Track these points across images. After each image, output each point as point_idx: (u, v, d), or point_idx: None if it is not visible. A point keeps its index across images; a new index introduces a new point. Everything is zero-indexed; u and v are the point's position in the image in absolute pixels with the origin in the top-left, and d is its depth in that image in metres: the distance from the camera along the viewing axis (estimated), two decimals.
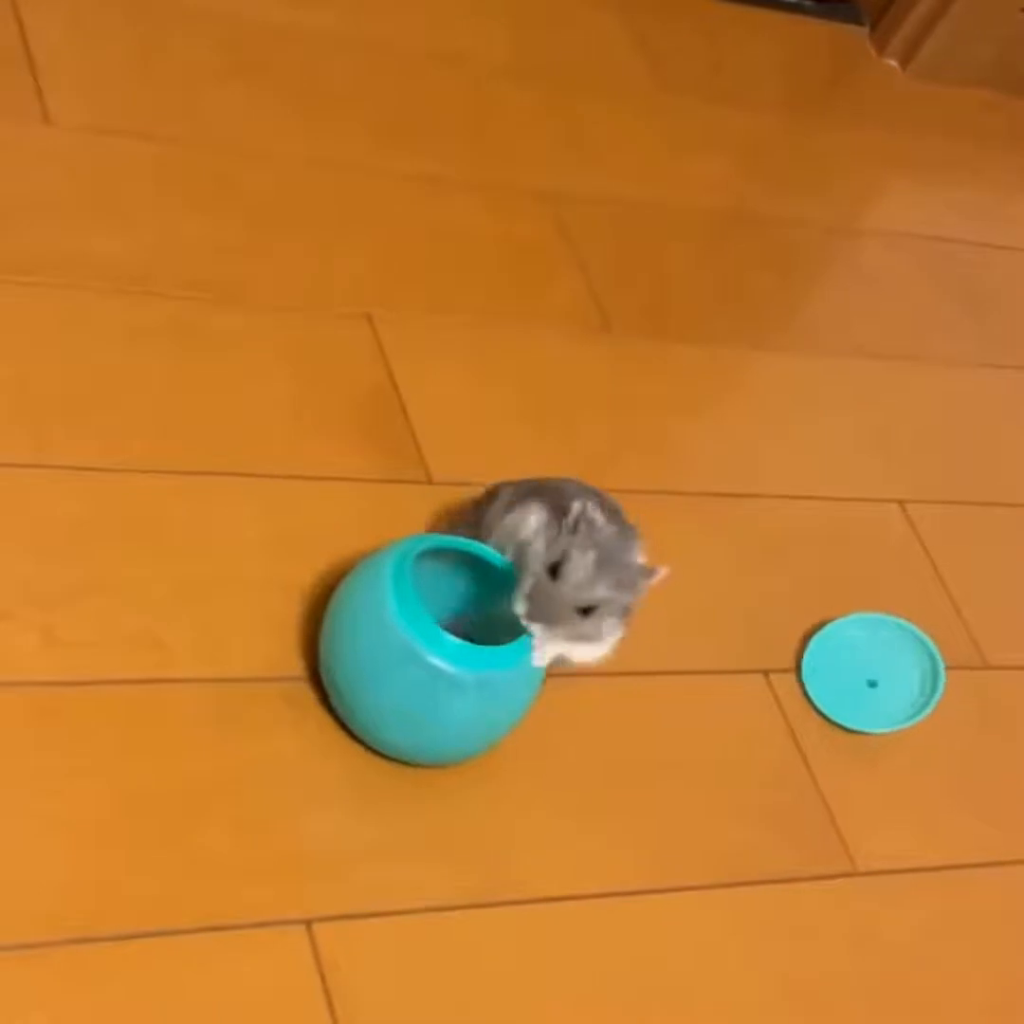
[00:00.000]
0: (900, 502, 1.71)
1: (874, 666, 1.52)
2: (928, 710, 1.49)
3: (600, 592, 1.24)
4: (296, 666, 1.31)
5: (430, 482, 1.48)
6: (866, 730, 1.48)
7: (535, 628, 1.24)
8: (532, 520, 1.29)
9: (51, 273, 1.46)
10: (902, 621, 1.53)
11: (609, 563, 1.23)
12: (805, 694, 1.49)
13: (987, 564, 1.71)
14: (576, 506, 1.24)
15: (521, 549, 1.27)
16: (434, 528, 1.41)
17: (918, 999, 1.35)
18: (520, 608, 1.24)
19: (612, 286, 1.75)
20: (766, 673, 1.49)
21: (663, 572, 1.25)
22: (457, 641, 1.22)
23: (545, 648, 1.26)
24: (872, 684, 1.51)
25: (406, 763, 1.28)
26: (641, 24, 2.07)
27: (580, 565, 1.23)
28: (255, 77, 1.73)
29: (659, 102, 2.01)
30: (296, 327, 1.54)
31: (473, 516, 1.35)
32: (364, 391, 1.52)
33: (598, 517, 1.24)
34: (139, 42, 1.70)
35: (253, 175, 1.64)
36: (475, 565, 1.30)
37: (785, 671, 1.50)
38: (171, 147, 1.62)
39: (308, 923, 1.18)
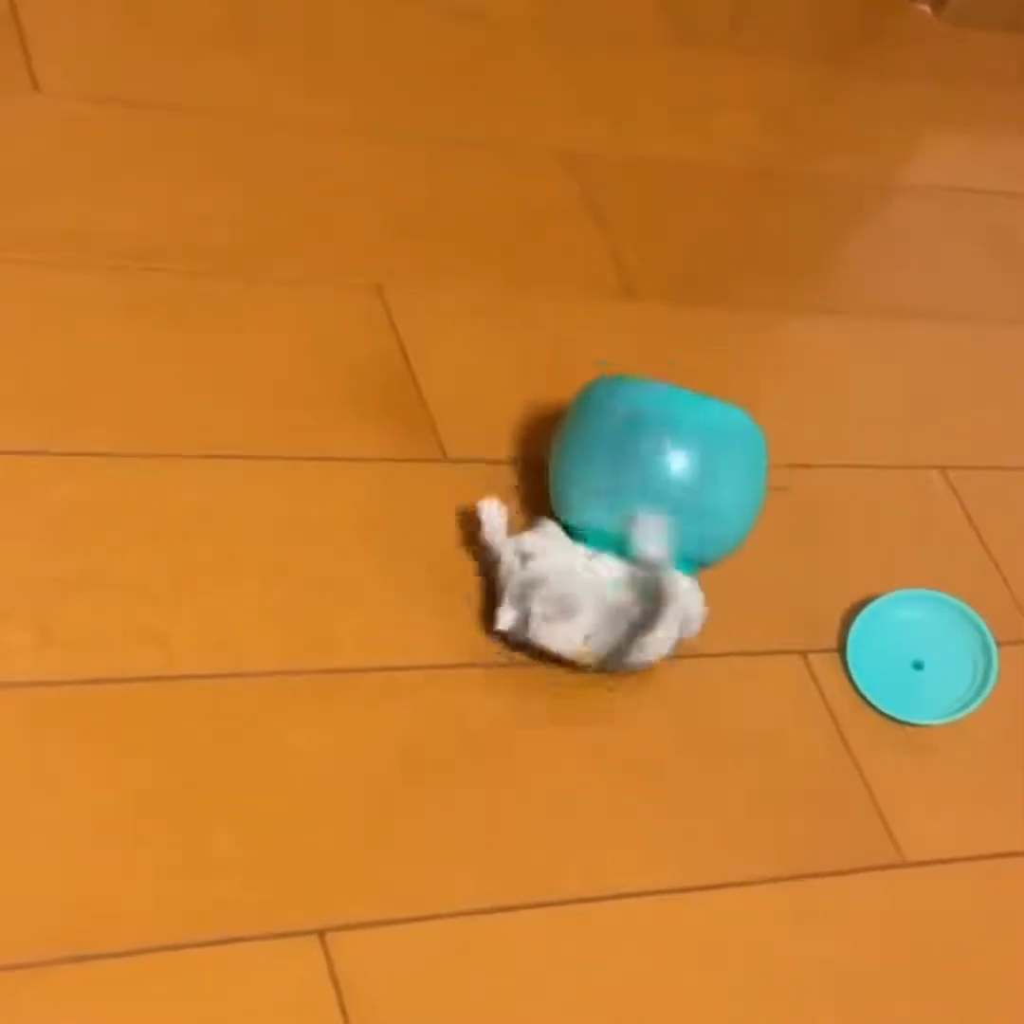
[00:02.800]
0: (941, 468, 1.65)
1: (921, 647, 1.45)
2: (980, 700, 1.43)
3: None
4: (305, 658, 1.26)
5: (445, 459, 1.43)
6: (914, 721, 1.42)
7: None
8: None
9: (45, 250, 1.42)
10: (952, 599, 1.47)
11: None
12: (849, 678, 1.43)
13: None
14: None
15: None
16: None
17: (970, 990, 1.30)
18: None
19: (635, 249, 1.70)
20: (804, 654, 1.43)
21: None
22: None
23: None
24: (918, 666, 1.45)
25: None
26: None
27: None
28: (256, 39, 1.70)
29: (682, 56, 1.96)
30: (303, 300, 1.49)
31: None
32: (375, 366, 1.47)
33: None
34: (133, 9, 1.65)
35: (256, 141, 1.60)
36: None
37: (824, 651, 1.44)
38: (169, 114, 1.58)
39: (321, 933, 1.13)
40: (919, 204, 1.95)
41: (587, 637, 1.29)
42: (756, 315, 1.72)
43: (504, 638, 1.31)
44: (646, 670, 1.33)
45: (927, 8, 2.22)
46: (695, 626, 1.34)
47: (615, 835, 1.27)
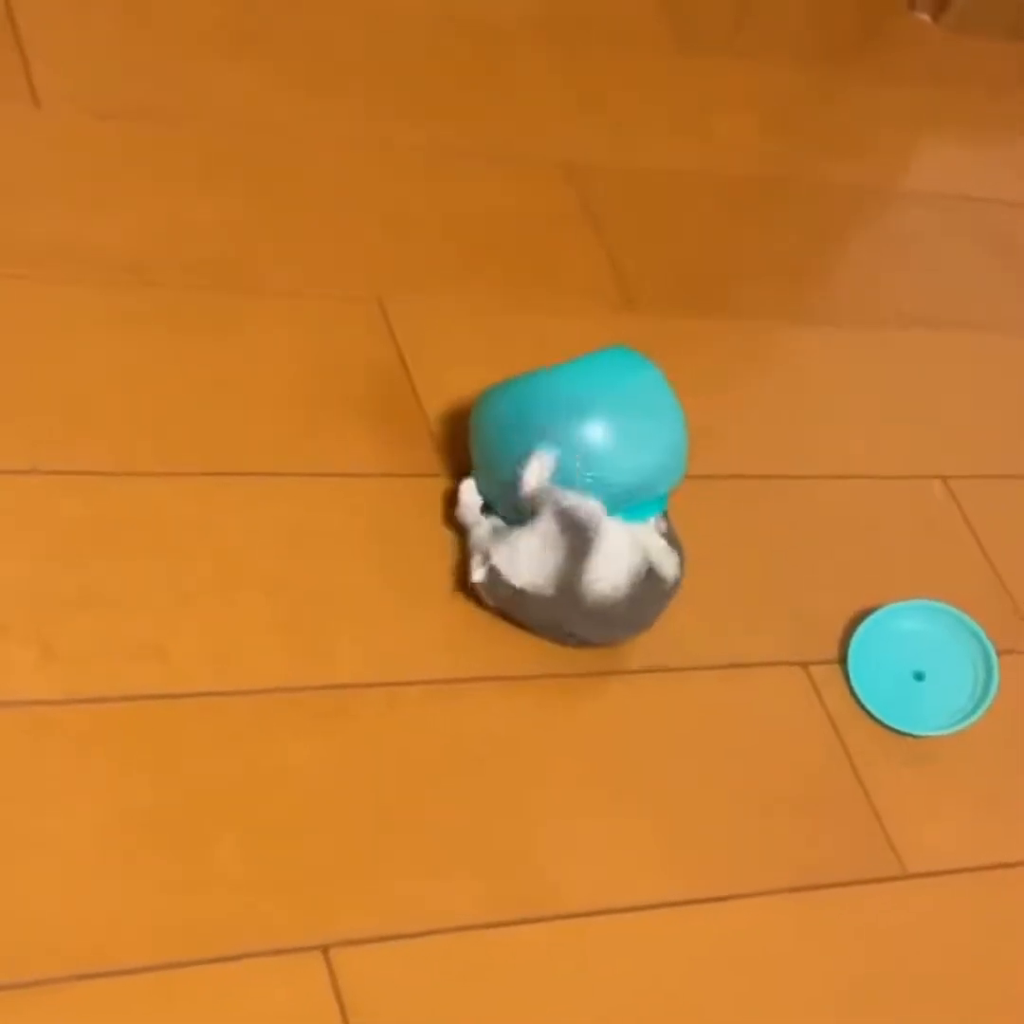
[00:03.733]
0: (942, 478, 1.65)
1: (922, 658, 1.45)
2: (981, 710, 1.42)
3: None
4: (306, 674, 1.26)
5: (444, 473, 1.42)
6: (915, 732, 1.42)
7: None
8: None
9: (43, 265, 1.42)
10: (953, 609, 1.46)
11: None
12: (850, 689, 1.43)
13: None
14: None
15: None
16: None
17: (973, 1000, 1.30)
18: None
19: (635, 258, 1.69)
20: (805, 666, 1.43)
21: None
22: None
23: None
24: (919, 676, 1.45)
25: None
26: None
27: None
28: (256, 48, 1.69)
29: (682, 61, 1.96)
30: (303, 312, 1.48)
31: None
32: (375, 378, 1.47)
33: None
34: (132, 15, 1.65)
35: (256, 153, 1.60)
36: None
37: (824, 662, 1.44)
38: (168, 126, 1.57)
39: (324, 949, 1.13)
40: (919, 210, 1.95)
41: (538, 565, 1.30)
42: (755, 323, 1.72)
43: (480, 599, 1.33)
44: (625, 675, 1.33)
45: (927, 16, 2.22)
46: (670, 561, 1.35)
47: (616, 848, 1.27)
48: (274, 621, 1.28)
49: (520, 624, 1.34)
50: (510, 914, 1.20)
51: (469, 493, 1.36)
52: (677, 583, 1.36)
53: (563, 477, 1.32)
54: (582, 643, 1.34)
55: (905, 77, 2.12)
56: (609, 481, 1.32)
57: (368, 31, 1.76)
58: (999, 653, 1.45)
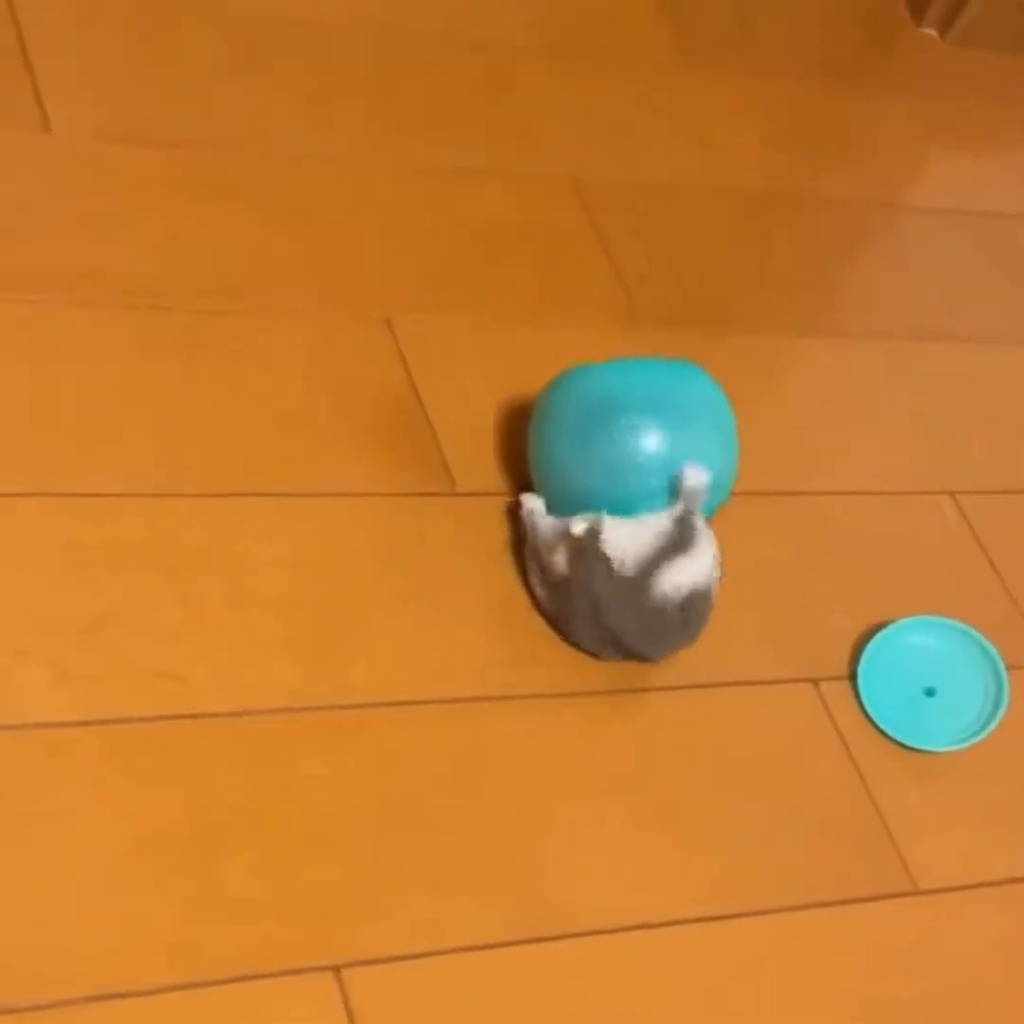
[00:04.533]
0: (951, 493, 1.65)
1: (933, 674, 1.45)
2: (991, 727, 1.42)
3: None
4: (321, 693, 1.27)
5: (455, 492, 1.42)
6: (926, 748, 1.42)
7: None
8: None
9: (56, 289, 1.42)
10: (962, 625, 1.46)
11: None
12: (861, 705, 1.43)
13: None
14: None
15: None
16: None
17: (985, 1017, 1.30)
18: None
19: (643, 275, 1.70)
20: (815, 682, 1.43)
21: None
22: None
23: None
24: (929, 692, 1.45)
25: None
26: None
27: None
28: (266, 72, 1.70)
29: (687, 78, 1.96)
30: (313, 334, 1.49)
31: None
32: (385, 399, 1.47)
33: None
34: (142, 41, 1.65)
35: (266, 176, 1.60)
36: None
37: (834, 679, 1.44)
38: (179, 151, 1.58)
39: (337, 969, 1.13)
40: (925, 223, 1.95)
41: (640, 546, 1.33)
42: (762, 339, 1.72)
43: (532, 588, 1.37)
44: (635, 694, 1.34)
45: (933, 30, 2.22)
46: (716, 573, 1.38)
47: (628, 866, 1.27)
48: (287, 640, 1.28)
49: (558, 620, 1.35)
50: (523, 933, 1.20)
51: (531, 500, 1.38)
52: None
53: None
54: (614, 650, 1.35)
55: (911, 91, 2.12)
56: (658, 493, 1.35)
57: (373, 51, 1.77)
58: (1009, 668, 1.45)
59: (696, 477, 1.34)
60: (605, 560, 1.32)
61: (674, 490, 1.35)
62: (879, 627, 1.46)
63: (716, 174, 1.86)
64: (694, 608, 1.35)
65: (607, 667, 1.36)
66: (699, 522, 1.35)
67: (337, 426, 1.43)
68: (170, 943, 1.11)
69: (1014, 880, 1.38)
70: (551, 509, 1.37)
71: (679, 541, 1.33)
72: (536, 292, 1.63)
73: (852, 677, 1.44)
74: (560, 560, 1.33)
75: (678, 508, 1.34)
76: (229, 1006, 1.10)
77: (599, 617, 1.33)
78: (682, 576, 1.33)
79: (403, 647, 1.31)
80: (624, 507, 1.34)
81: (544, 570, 1.35)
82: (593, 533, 1.32)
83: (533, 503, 1.38)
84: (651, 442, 1.35)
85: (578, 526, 1.32)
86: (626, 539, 1.33)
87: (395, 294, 1.55)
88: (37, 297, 1.40)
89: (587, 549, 1.32)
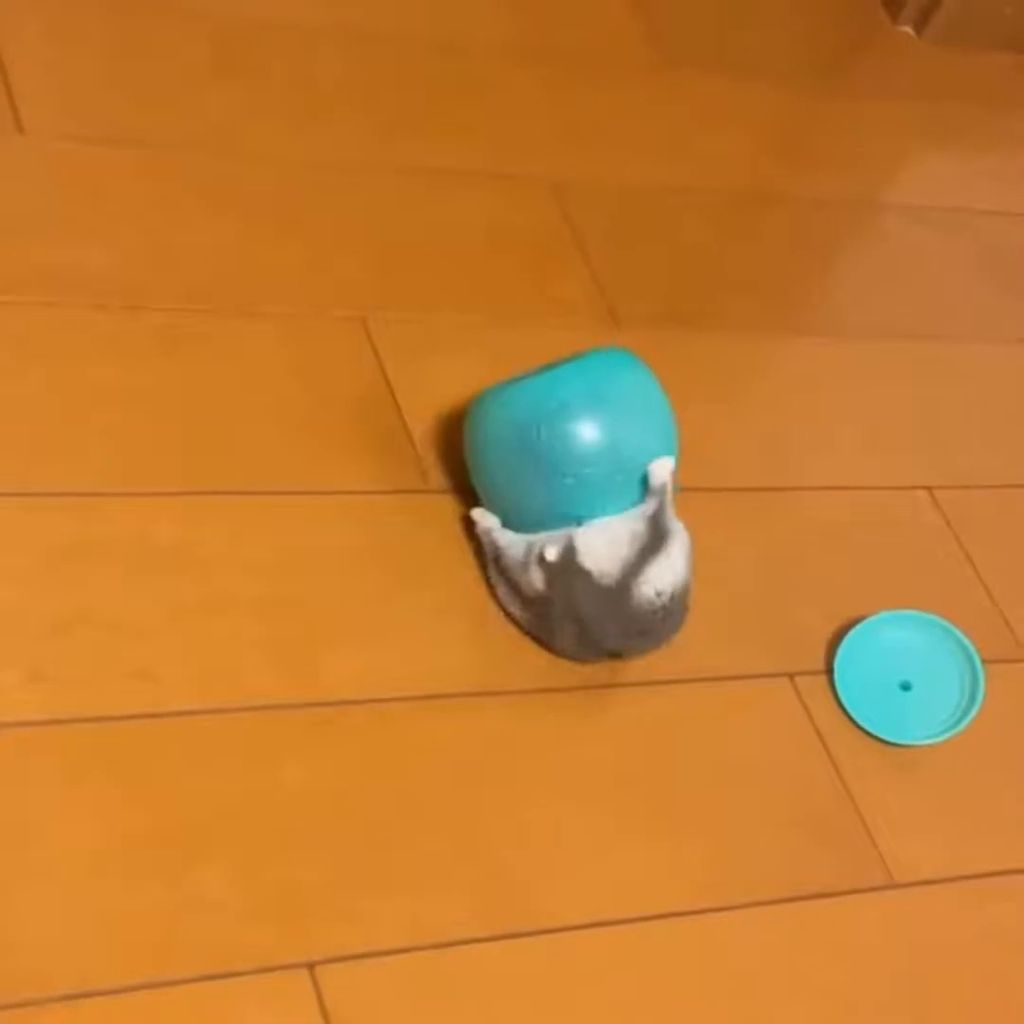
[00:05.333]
0: (928, 488, 1.65)
1: (909, 668, 1.45)
2: (968, 719, 1.42)
3: None
4: (296, 691, 1.26)
5: (429, 491, 1.43)
6: (902, 742, 1.42)
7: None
8: None
9: (32, 290, 1.42)
10: (938, 619, 1.47)
11: None
12: (837, 699, 1.43)
13: (1022, 550, 1.64)
14: None
15: None
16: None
17: (962, 1010, 1.30)
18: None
19: (621, 276, 1.70)
20: (791, 677, 1.43)
21: None
22: None
23: None
24: (905, 687, 1.45)
25: None
26: None
27: None
28: (243, 74, 1.70)
29: (666, 80, 1.96)
30: (288, 334, 1.49)
31: None
32: (360, 399, 1.47)
33: None
34: (117, 41, 1.66)
35: (242, 177, 1.60)
36: None
37: (811, 673, 1.44)
38: (155, 152, 1.58)
39: (311, 966, 1.13)
40: (905, 222, 1.95)
41: (617, 553, 1.32)
42: (742, 336, 1.72)
43: (504, 604, 1.35)
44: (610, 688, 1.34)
45: (910, 29, 2.22)
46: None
47: (604, 862, 1.27)
48: (262, 639, 1.28)
49: (539, 635, 1.35)
50: (498, 929, 1.20)
51: (486, 517, 1.36)
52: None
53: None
54: (597, 653, 1.35)
55: (889, 90, 2.13)
56: (612, 474, 1.33)
57: (350, 54, 1.77)
58: (985, 662, 1.45)
59: (661, 471, 1.33)
60: (585, 574, 1.31)
61: (643, 486, 1.34)
62: (856, 622, 1.46)
63: (694, 175, 1.86)
64: (676, 604, 1.35)
65: (584, 664, 1.36)
66: (670, 517, 1.34)
67: (312, 425, 1.43)
68: (143, 942, 1.11)
69: (991, 873, 1.38)
70: (507, 524, 1.36)
71: (654, 541, 1.33)
72: (512, 293, 1.63)
73: (829, 672, 1.44)
74: (535, 578, 1.32)
75: (649, 506, 1.33)
76: (203, 1004, 1.10)
77: (584, 629, 1.33)
78: (661, 577, 1.33)
79: (378, 645, 1.31)
80: (581, 512, 1.33)
81: (518, 589, 1.34)
82: (569, 552, 1.31)
83: (488, 521, 1.36)
84: (584, 444, 1.32)
85: (551, 552, 1.31)
86: (601, 549, 1.32)
87: (371, 294, 1.55)
88: (11, 298, 1.40)
89: (565, 567, 1.31)
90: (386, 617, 1.33)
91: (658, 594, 1.32)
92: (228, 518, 1.34)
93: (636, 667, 1.38)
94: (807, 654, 1.45)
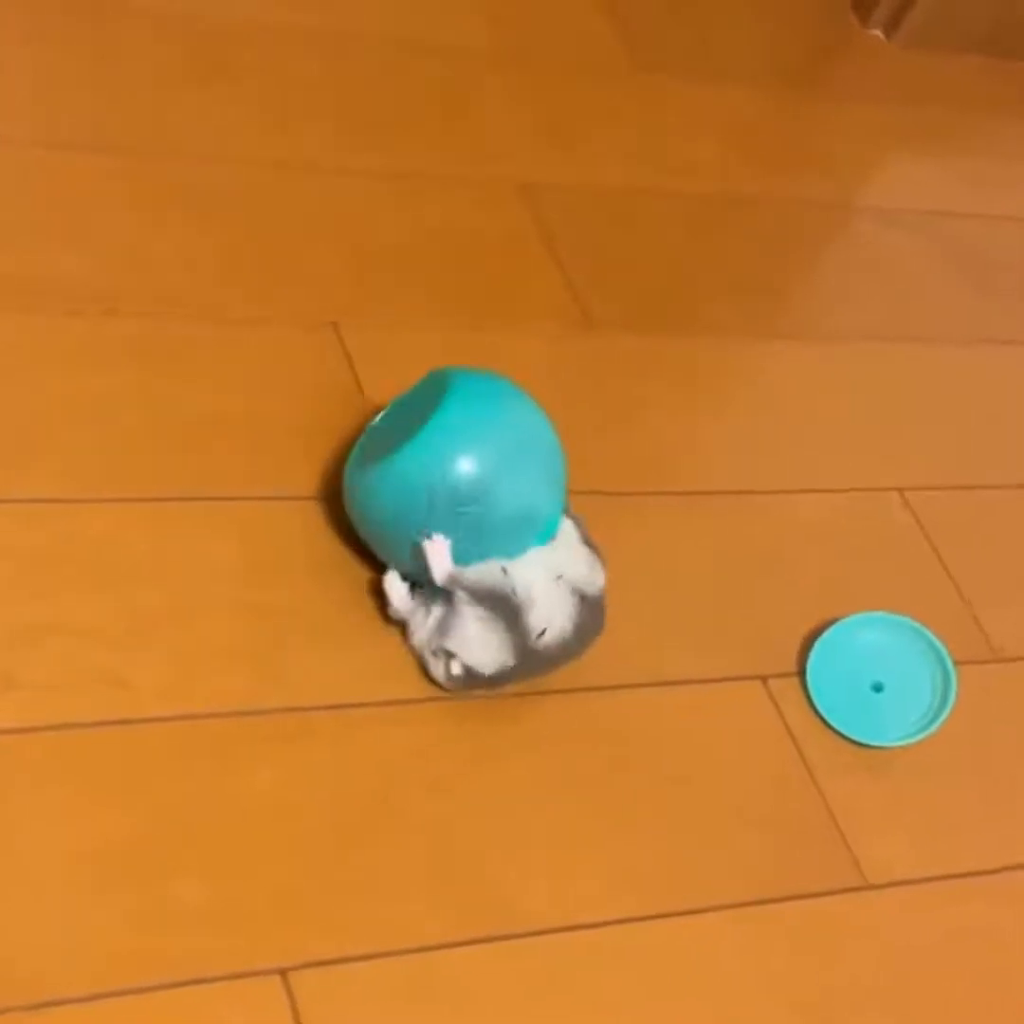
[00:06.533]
0: (900, 490, 1.65)
1: (881, 670, 1.45)
2: (940, 720, 1.43)
3: None
4: (271, 697, 1.26)
5: None
6: (875, 743, 1.42)
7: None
8: None
9: (4, 297, 1.41)
10: (910, 621, 1.47)
11: None
12: (809, 702, 1.43)
13: (994, 552, 1.65)
14: None
15: None
16: None
17: (936, 1011, 1.30)
18: None
19: (595, 280, 1.70)
20: (764, 679, 1.43)
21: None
22: None
23: None
24: (878, 688, 1.45)
25: None
26: (617, 1, 2.01)
27: None
28: (216, 79, 1.69)
29: (640, 83, 1.96)
30: (260, 340, 1.49)
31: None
32: (332, 404, 1.47)
33: None
34: (90, 47, 1.65)
35: (216, 182, 1.60)
36: None
37: (783, 676, 1.44)
38: (128, 158, 1.57)
39: (283, 972, 1.13)
40: (878, 226, 1.95)
41: (493, 646, 1.29)
42: (715, 339, 1.72)
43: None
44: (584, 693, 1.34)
45: (879, 32, 2.23)
46: (598, 569, 1.33)
47: (577, 865, 1.27)
48: (231, 645, 1.28)
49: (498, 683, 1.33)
50: (470, 934, 1.20)
51: (395, 585, 1.32)
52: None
53: (445, 523, 1.28)
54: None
55: (860, 93, 2.13)
56: (491, 515, 1.29)
57: (324, 57, 1.77)
58: (957, 664, 1.45)
59: (436, 557, 1.28)
60: (492, 677, 1.30)
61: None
62: (828, 624, 1.46)
63: (667, 179, 1.86)
64: (584, 622, 1.32)
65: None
66: (492, 583, 1.28)
67: (283, 430, 1.43)
68: (114, 949, 1.10)
69: (964, 874, 1.38)
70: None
71: (508, 613, 1.29)
72: (486, 297, 1.63)
73: (801, 673, 1.44)
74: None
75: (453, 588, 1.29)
76: (175, 1011, 1.09)
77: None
78: (550, 628, 1.30)
79: (346, 650, 1.31)
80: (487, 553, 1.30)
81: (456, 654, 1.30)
82: (468, 670, 1.29)
83: (400, 589, 1.32)
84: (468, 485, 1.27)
85: (455, 670, 1.29)
86: (480, 652, 1.29)
87: (344, 298, 1.55)
88: None
89: (473, 678, 1.30)
90: (357, 622, 1.33)
91: (563, 631, 1.31)
92: (198, 524, 1.34)
93: (607, 670, 1.37)
94: (779, 656, 1.46)
